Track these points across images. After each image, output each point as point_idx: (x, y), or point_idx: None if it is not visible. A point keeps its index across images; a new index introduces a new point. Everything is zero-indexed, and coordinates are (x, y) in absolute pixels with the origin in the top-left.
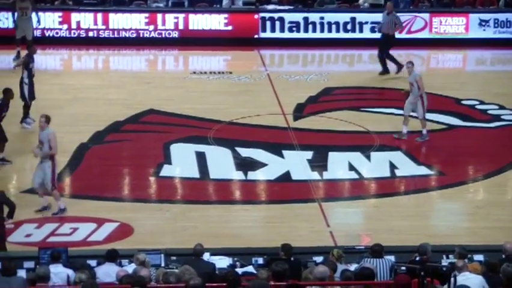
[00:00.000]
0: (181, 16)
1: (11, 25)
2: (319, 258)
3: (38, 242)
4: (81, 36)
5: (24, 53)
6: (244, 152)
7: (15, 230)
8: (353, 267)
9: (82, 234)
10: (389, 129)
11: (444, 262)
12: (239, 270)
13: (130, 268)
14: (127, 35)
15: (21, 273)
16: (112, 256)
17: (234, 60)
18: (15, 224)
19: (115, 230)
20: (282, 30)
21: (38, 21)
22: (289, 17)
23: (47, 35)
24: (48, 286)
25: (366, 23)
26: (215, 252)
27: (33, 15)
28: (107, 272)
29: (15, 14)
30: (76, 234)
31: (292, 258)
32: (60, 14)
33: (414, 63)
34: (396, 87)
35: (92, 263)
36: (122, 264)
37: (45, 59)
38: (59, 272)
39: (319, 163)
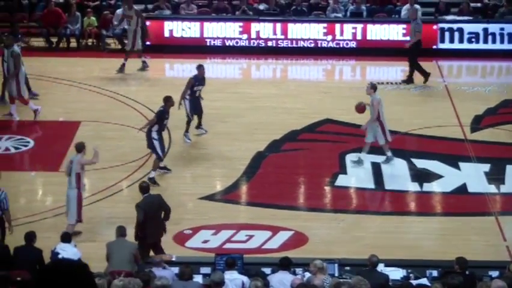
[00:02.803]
0: (359, 26)
1: (194, 34)
2: (494, 273)
3: (215, 248)
4: (260, 45)
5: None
6: (420, 163)
7: (193, 235)
8: None
9: (257, 241)
10: None
11: None
12: (413, 282)
13: (304, 276)
14: (305, 45)
15: (198, 279)
16: (285, 264)
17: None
18: (193, 230)
19: (290, 238)
20: (461, 41)
21: (143, 32)
22: (468, 27)
23: (227, 44)
24: None
25: None
26: (389, 263)
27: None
28: (280, 280)
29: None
30: (251, 241)
31: (467, 272)
32: (240, 23)
33: (376, 87)
34: None
35: (267, 270)
36: (296, 272)
37: (224, 68)
38: (234, 278)
39: (496, 176)
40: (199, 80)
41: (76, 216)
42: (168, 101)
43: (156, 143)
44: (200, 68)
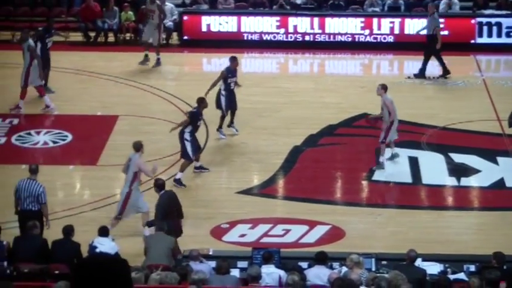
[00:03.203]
0: (397, 21)
1: (231, 29)
2: None
3: (252, 242)
4: (297, 40)
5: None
6: (458, 157)
7: (230, 229)
8: None
9: (294, 235)
10: None
11: None
12: (450, 277)
13: (341, 271)
14: (343, 39)
15: (235, 273)
16: (321, 258)
17: (449, 65)
18: (230, 224)
19: (327, 233)
20: (499, 35)
21: (159, 27)
22: (507, 22)
23: (264, 38)
24: (259, 286)
25: None
26: (426, 258)
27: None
28: (317, 274)
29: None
30: (288, 235)
31: (504, 267)
32: (278, 18)
33: (387, 87)
34: None
35: (304, 264)
36: (333, 266)
37: (262, 63)
38: (271, 272)
39: None
40: (231, 72)
41: (118, 212)
42: (202, 102)
43: (188, 145)
44: (233, 60)
